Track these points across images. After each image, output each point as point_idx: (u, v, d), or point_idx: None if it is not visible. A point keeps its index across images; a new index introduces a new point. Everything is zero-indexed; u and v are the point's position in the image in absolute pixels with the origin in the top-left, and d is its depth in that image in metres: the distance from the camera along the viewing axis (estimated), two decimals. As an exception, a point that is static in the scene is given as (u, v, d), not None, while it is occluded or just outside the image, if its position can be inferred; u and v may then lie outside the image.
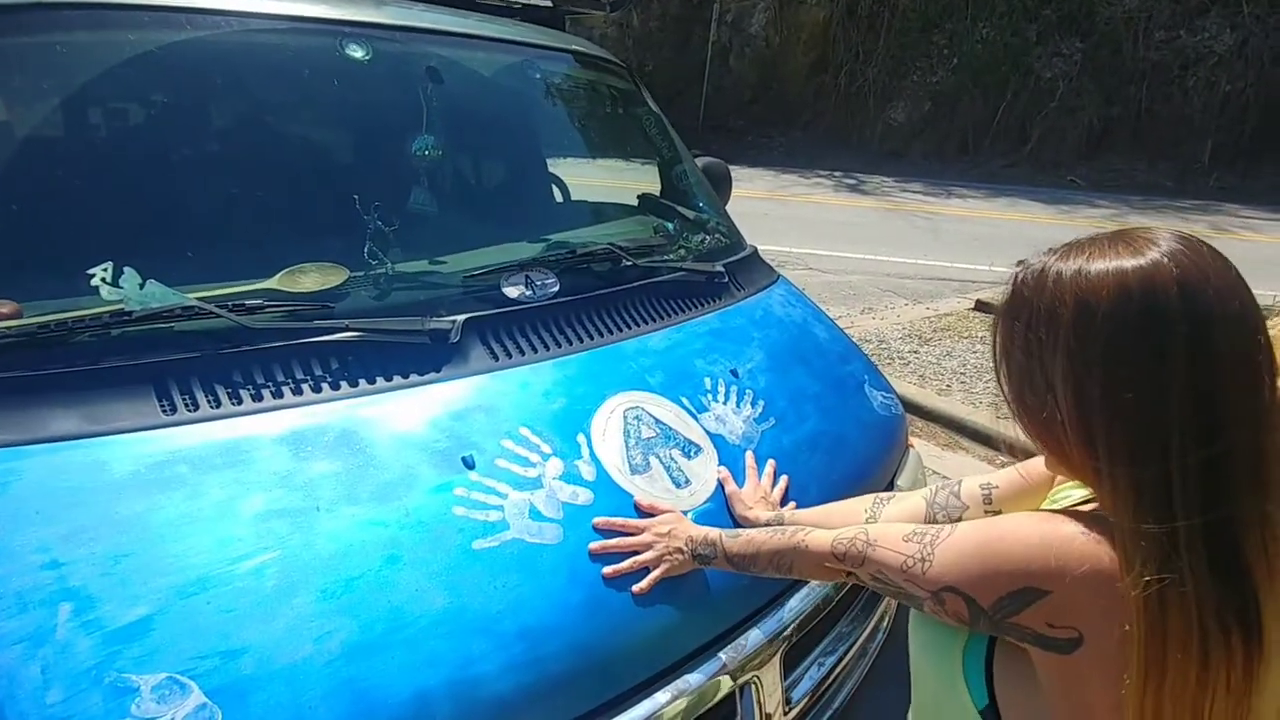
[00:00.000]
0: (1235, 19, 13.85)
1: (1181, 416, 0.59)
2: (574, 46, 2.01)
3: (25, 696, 0.74)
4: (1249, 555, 0.59)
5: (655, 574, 1.05)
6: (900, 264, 7.90)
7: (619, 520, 1.10)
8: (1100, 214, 11.45)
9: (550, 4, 2.08)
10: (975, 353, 5.35)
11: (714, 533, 1.04)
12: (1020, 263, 0.74)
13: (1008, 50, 14.88)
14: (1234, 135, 13.47)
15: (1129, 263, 0.62)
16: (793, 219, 9.98)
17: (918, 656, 0.82)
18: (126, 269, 1.07)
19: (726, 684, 1.09)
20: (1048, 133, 14.78)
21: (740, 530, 1.04)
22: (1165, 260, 0.61)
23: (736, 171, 2.99)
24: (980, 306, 6.32)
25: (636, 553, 1.07)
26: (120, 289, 1.06)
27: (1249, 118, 13.54)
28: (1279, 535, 0.60)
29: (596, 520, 1.09)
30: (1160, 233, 0.65)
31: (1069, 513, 0.69)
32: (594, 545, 1.06)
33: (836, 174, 14.08)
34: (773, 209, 10.49)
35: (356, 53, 1.43)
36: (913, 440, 1.86)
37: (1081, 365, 0.63)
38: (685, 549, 1.05)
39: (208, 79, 1.31)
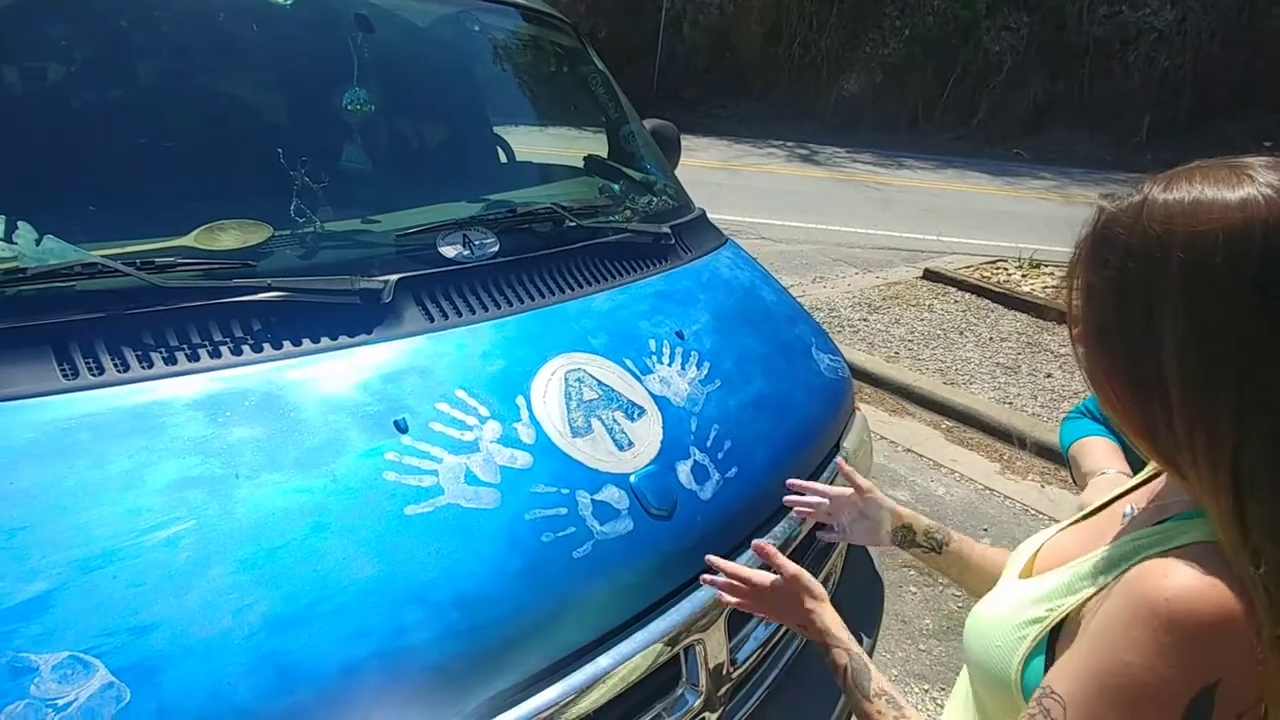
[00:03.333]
0: (1175, -5, 14.18)
1: None
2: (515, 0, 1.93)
3: (-92, 681, 0.69)
4: None
5: (739, 604, 0.96)
6: (851, 234, 7.98)
7: (776, 556, 0.96)
8: (1043, 185, 11.72)
9: (492, -45, 1.99)
10: (923, 320, 5.44)
11: (851, 655, 0.85)
12: (1107, 195, 0.62)
13: (958, 23, 15.03)
14: (1171, 111, 13.88)
15: (1251, 191, 0.53)
16: (746, 189, 9.98)
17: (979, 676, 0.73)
18: (21, 223, 0.98)
19: (669, 647, 1.08)
20: (995, 106, 15.04)
21: (875, 684, 0.82)
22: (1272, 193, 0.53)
23: (690, 141, 2.95)
24: (929, 275, 6.43)
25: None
26: (14, 245, 0.98)
27: (1185, 94, 13.96)
28: None
29: (758, 543, 0.98)
30: (1252, 165, 0.57)
31: (1163, 563, 0.57)
32: (722, 564, 0.97)
33: (789, 144, 14.11)
34: (726, 179, 10.47)
35: (278, -4, 1.34)
36: (861, 406, 1.87)
37: (1201, 325, 0.53)
38: (808, 626, 0.90)
39: (115, 20, 1.21)
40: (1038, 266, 6.69)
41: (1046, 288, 6.20)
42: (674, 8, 16.96)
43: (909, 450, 3.78)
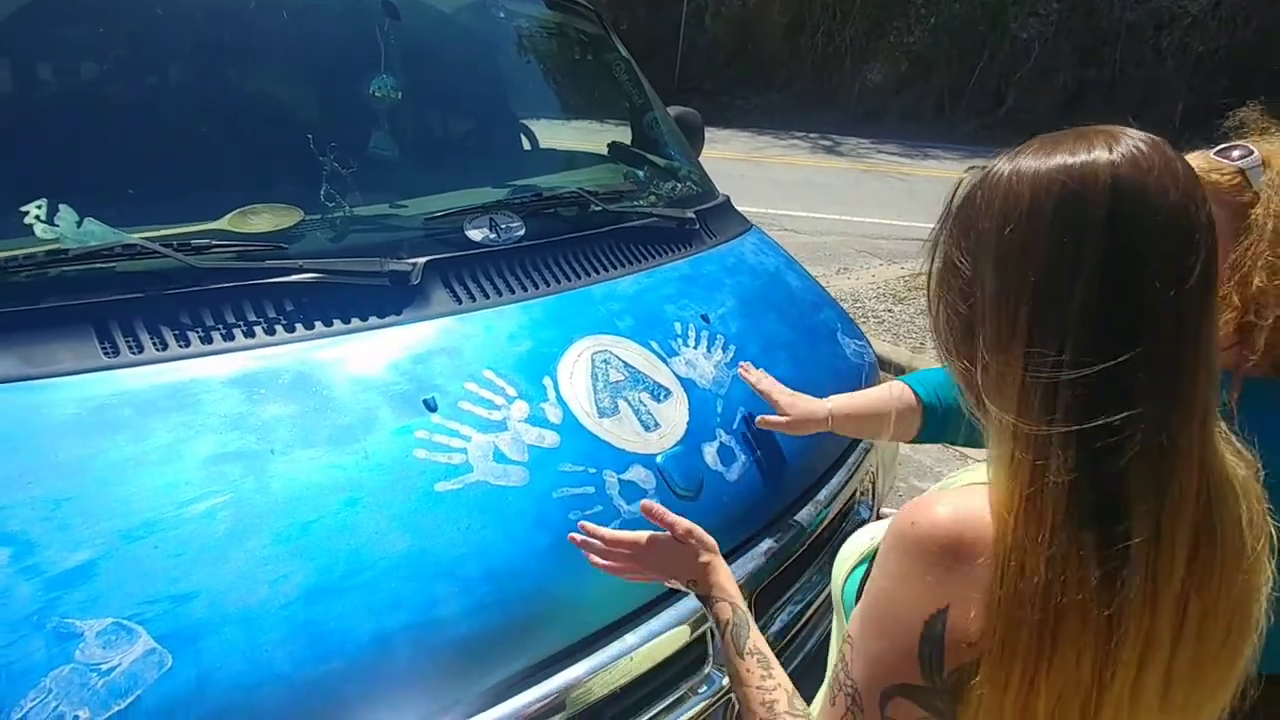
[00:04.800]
0: (1210, -22, 13.84)
1: (1083, 315, 0.52)
2: (539, -14, 1.93)
3: (-40, 644, 0.71)
4: (1133, 480, 0.52)
5: (617, 570, 0.91)
6: (876, 225, 7.90)
7: (666, 514, 0.91)
8: (1073, 175, 11.49)
9: (515, -57, 2.00)
10: (949, 311, 5.37)
11: (735, 610, 0.86)
12: (971, 168, 0.64)
13: (985, 9, 14.78)
14: (1205, 96, 13.53)
15: (1069, 158, 0.55)
16: (769, 180, 9.92)
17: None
18: (62, 206, 1.01)
19: (695, 628, 1.08)
20: (1023, 94, 14.77)
21: (751, 641, 0.83)
22: (1108, 154, 0.54)
23: (712, 133, 2.94)
24: (954, 266, 6.35)
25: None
26: (55, 227, 1.00)
27: (1220, 79, 13.61)
28: (1180, 461, 0.53)
29: (645, 502, 0.93)
30: (1121, 132, 0.57)
31: (927, 496, 0.61)
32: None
33: (812, 135, 13.99)
34: (749, 170, 10.41)
35: (307, -17, 1.36)
36: None
37: (998, 258, 0.57)
38: (699, 581, 0.88)
39: (150, 11, 1.24)
40: (1067, 256, 6.57)
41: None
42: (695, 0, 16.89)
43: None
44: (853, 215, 8.24)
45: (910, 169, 11.53)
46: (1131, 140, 0.55)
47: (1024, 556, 0.52)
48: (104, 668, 0.73)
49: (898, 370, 4.39)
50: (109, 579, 0.78)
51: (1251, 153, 0.98)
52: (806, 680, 1.37)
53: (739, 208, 2.03)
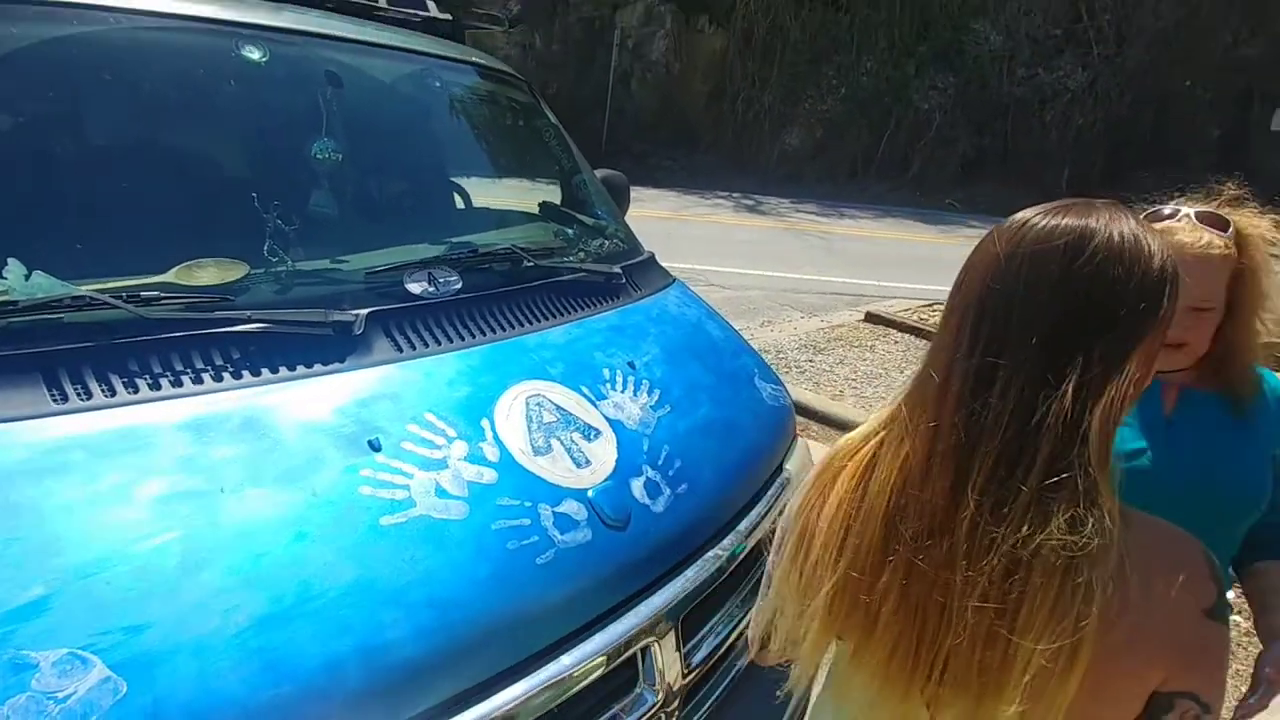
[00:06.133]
0: (1086, 59, 15.31)
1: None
2: (474, 59, 2.07)
3: (-87, 678, 0.73)
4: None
5: None
6: (796, 280, 8.27)
7: None
8: (974, 233, 12.23)
9: (450, 18, 2.13)
10: (865, 360, 5.67)
11: None
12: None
13: (890, 83, 15.89)
14: (1086, 165, 14.83)
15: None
16: (695, 238, 10.27)
17: None
18: (10, 260, 1.05)
19: (626, 649, 1.16)
20: (927, 160, 15.85)
21: None
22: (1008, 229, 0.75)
23: (640, 193, 3.12)
24: (870, 318, 6.71)
25: None
26: (4, 279, 1.04)
27: (1099, 150, 14.95)
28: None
29: None
30: (1044, 210, 0.75)
31: None
32: None
33: (736, 195, 14.58)
34: (676, 229, 10.76)
35: (253, 54, 1.45)
36: (810, 442, 1.99)
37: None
38: None
39: (101, 74, 1.30)
40: (971, 309, 7.02)
41: (979, 329, 6.52)
42: (622, 65, 17.56)
43: (854, 483, 3.92)
44: (774, 271, 8.61)
45: (828, 227, 12.14)
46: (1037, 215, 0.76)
47: None
48: (60, 695, 0.76)
49: (818, 417, 4.60)
50: (63, 612, 0.81)
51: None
52: (738, 704, 1.46)
53: (667, 264, 2.17)
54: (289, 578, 0.92)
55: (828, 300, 7.54)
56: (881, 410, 0.85)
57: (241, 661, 0.85)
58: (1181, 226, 1.18)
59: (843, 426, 4.52)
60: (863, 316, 6.76)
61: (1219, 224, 1.18)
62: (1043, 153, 15.20)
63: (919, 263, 9.64)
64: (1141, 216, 1.23)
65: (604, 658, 1.12)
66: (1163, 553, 0.73)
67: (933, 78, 15.72)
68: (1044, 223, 0.72)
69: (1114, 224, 0.71)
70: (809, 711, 1.02)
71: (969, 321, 0.74)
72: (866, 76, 16.01)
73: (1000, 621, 0.68)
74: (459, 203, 2.20)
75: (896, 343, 6.13)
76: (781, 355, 5.61)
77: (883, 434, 0.82)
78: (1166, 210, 1.22)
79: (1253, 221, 1.20)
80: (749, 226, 11.97)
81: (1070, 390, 0.67)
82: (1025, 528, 0.68)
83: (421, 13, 2.09)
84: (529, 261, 1.64)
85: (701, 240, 10.18)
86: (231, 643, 0.85)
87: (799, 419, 4.70)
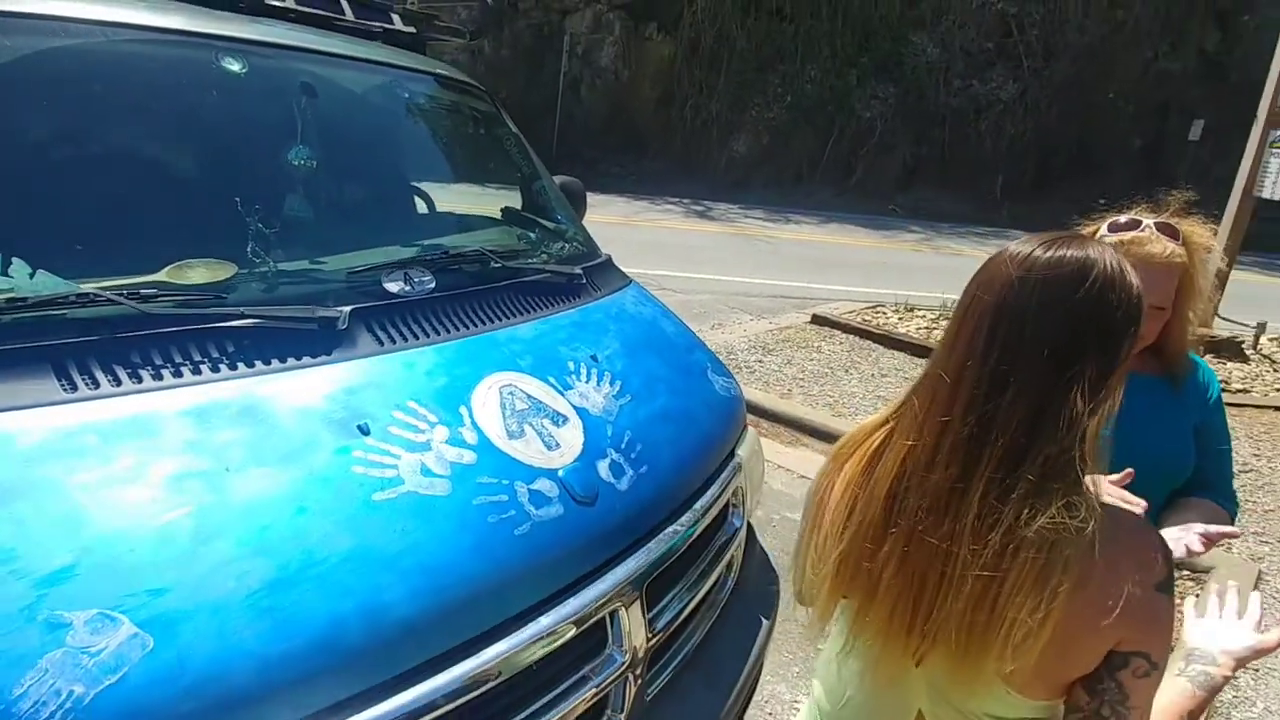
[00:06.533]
0: (1016, 72, 16.02)
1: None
2: (439, 70, 2.17)
3: (-42, 637, 0.81)
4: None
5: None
6: (745, 283, 8.49)
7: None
8: (915, 238, 12.79)
9: (413, 30, 2.23)
10: (812, 360, 5.89)
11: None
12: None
13: (833, 91, 16.35)
14: (1018, 173, 15.51)
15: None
16: (645, 243, 10.43)
17: None
18: (14, 259, 1.12)
19: (597, 613, 1.28)
20: (870, 167, 16.35)
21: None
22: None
23: (591, 198, 3.23)
24: (816, 319, 6.95)
25: None
26: (9, 278, 1.11)
27: (1030, 158, 15.65)
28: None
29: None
30: (1046, 241, 0.87)
31: None
32: None
33: (685, 201, 14.82)
34: (626, 234, 10.91)
35: (233, 66, 1.53)
36: (760, 438, 2.12)
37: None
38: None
39: (92, 87, 1.37)
40: (912, 310, 7.35)
41: (920, 328, 6.83)
42: (571, 72, 17.66)
43: (803, 477, 4.11)
44: (724, 275, 8.82)
45: (775, 232, 12.45)
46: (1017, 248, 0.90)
47: None
48: (93, 650, 0.84)
49: (767, 414, 4.78)
50: (90, 578, 0.89)
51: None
52: (696, 669, 1.59)
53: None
54: (293, 547, 1.02)
55: (776, 303, 7.78)
56: (889, 406, 0.99)
57: (255, 620, 0.94)
58: (1148, 237, 1.37)
59: (791, 424, 4.73)
60: (809, 318, 7.01)
61: (1173, 233, 1.38)
62: (978, 160, 15.84)
63: (863, 266, 9.99)
64: (1105, 225, 1.42)
65: (577, 620, 1.24)
66: (1125, 536, 0.88)
67: (874, 87, 16.25)
68: (1050, 253, 0.85)
69: (1105, 256, 0.85)
70: (816, 664, 1.17)
71: (983, 333, 0.86)
72: (811, 85, 16.45)
73: (992, 588, 0.82)
74: (424, 208, 2.30)
75: (841, 343, 6.38)
76: (732, 356, 5.80)
77: (891, 425, 0.97)
78: (1124, 220, 1.41)
79: (1196, 230, 1.41)
80: (699, 231, 12.20)
81: (1076, 396, 0.81)
82: (1027, 510, 0.81)
83: (384, 25, 2.18)
84: (496, 263, 1.75)
85: (652, 245, 10.35)
86: (245, 603, 0.95)
87: (750, 417, 4.86)
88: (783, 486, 3.98)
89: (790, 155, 16.75)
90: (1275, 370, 6.06)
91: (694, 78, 17.24)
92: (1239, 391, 5.59)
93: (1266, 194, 6.40)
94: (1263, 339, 6.67)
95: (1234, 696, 2.62)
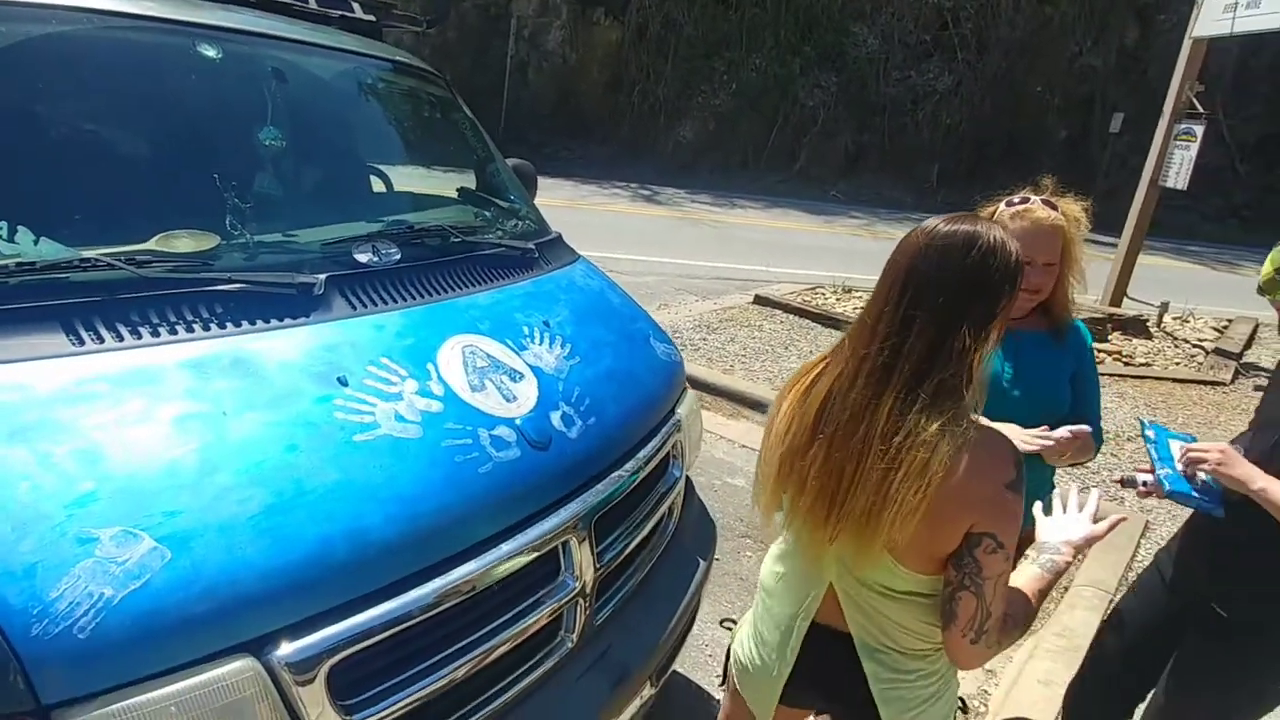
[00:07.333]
0: (952, 64, 16.57)
1: None
2: (398, 57, 2.29)
3: (1, 548, 0.95)
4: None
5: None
6: (691, 266, 8.72)
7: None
8: (855, 223, 13.21)
9: (372, 18, 2.34)
10: (754, 338, 6.15)
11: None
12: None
13: (777, 79, 16.65)
14: (954, 161, 16.10)
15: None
16: (593, 226, 10.57)
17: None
18: (20, 228, 1.24)
19: (552, 543, 1.46)
20: (813, 154, 16.73)
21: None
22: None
23: (539, 181, 3.38)
24: (758, 300, 7.21)
25: None
26: (15, 244, 1.23)
27: (964, 147, 16.24)
28: None
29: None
30: (949, 219, 1.15)
31: None
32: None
33: (633, 185, 14.96)
34: (573, 217, 11.02)
35: (209, 52, 1.64)
36: (703, 412, 2.32)
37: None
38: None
39: (79, 71, 1.47)
40: (850, 291, 7.68)
41: (856, 308, 7.16)
42: (518, 55, 17.56)
43: (744, 446, 4.35)
44: (671, 258, 9.04)
45: (721, 217, 12.71)
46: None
47: None
48: (119, 559, 0.99)
49: (710, 389, 5.01)
50: (112, 502, 1.03)
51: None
52: (638, 601, 1.79)
53: None
54: (286, 478, 1.17)
55: (720, 285, 8.03)
56: (828, 348, 1.27)
57: (256, 538, 1.09)
58: (1034, 207, 1.73)
59: (732, 397, 4.97)
60: (752, 299, 7.27)
61: (1053, 206, 1.73)
62: (916, 148, 16.38)
63: (804, 250, 10.32)
64: (1003, 203, 1.71)
65: (533, 548, 1.42)
66: (989, 444, 1.13)
67: (817, 76, 16.62)
68: (949, 227, 1.14)
69: (992, 231, 1.12)
70: (765, 559, 1.47)
71: (896, 286, 1.14)
72: (755, 73, 16.74)
73: (889, 477, 1.08)
74: (382, 187, 2.42)
75: (782, 322, 6.66)
76: (677, 334, 6.01)
77: (827, 360, 1.25)
78: (1019, 198, 1.76)
79: (1070, 206, 1.77)
80: (646, 216, 12.37)
81: (964, 331, 1.08)
82: (923, 419, 1.08)
83: (343, 12, 2.29)
84: (456, 238, 1.90)
85: (600, 228, 10.49)
86: (247, 524, 1.10)
87: (693, 391, 5.07)
88: (724, 455, 4.21)
89: (736, 141, 17.04)
90: (1175, 346, 6.58)
91: (641, 63, 17.35)
92: (1142, 365, 6.06)
93: (1170, 183, 6.90)
94: (1166, 317, 7.21)
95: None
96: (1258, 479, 1.33)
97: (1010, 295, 1.13)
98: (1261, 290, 1.42)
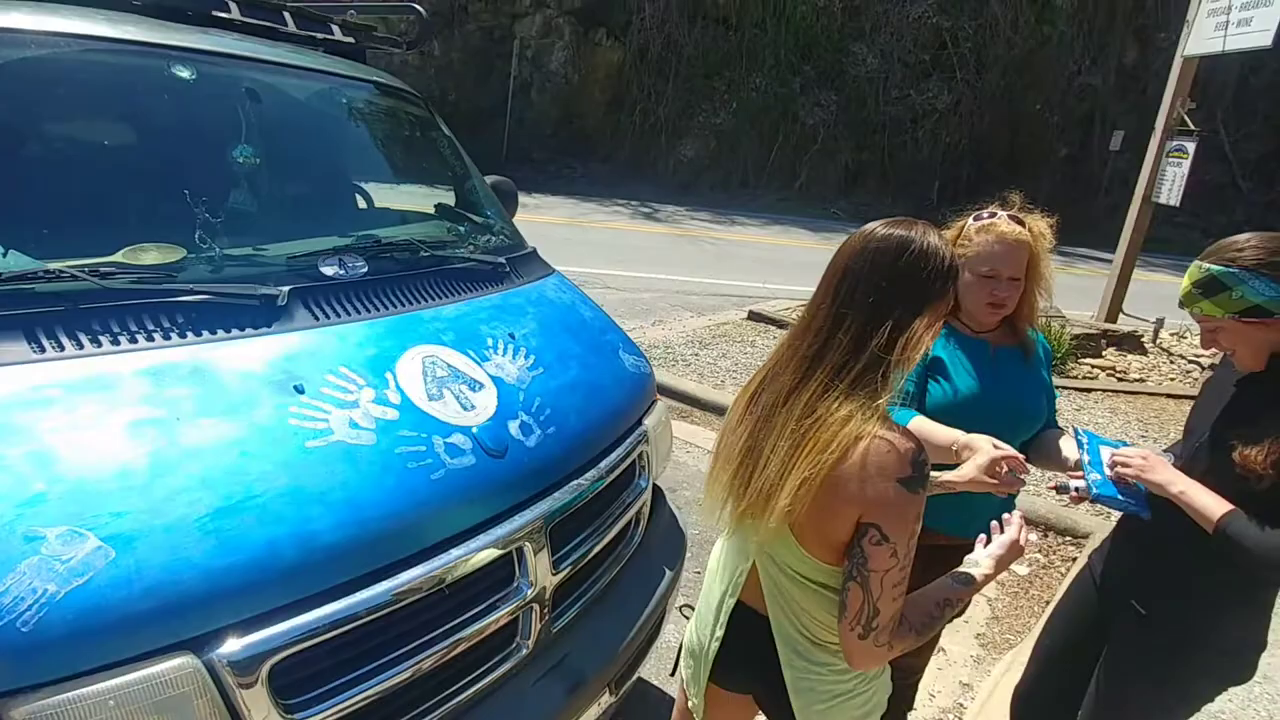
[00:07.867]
0: (951, 82, 16.68)
1: None
2: (376, 78, 2.35)
3: (-50, 546, 0.98)
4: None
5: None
6: (688, 282, 8.77)
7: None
8: (855, 241, 13.25)
9: (353, 40, 2.40)
10: (746, 354, 6.18)
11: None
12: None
13: (777, 98, 16.80)
14: (954, 178, 16.17)
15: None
16: (593, 243, 10.65)
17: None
18: (-12, 241, 1.29)
19: (504, 548, 1.49)
20: (813, 171, 16.83)
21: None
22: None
23: (540, 199, 3.43)
24: (752, 316, 7.25)
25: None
26: (-17, 257, 1.28)
27: (964, 164, 16.31)
28: None
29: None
30: (886, 223, 1.24)
31: None
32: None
33: (633, 203, 15.07)
34: (574, 234, 11.11)
35: (183, 73, 1.70)
36: (691, 425, 2.34)
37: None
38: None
39: (55, 90, 1.53)
40: (844, 308, 7.70)
41: (850, 326, 7.19)
42: (521, 75, 17.78)
43: (731, 460, 4.36)
44: (668, 274, 9.09)
45: (720, 234, 12.78)
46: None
47: None
48: (64, 557, 1.03)
49: (700, 404, 5.04)
50: (61, 502, 1.07)
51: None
52: (600, 609, 1.81)
53: (565, 268, 2.50)
54: (235, 482, 1.21)
55: (717, 301, 8.07)
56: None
57: (202, 539, 1.13)
58: (1000, 221, 1.76)
59: (722, 412, 4.99)
60: (746, 315, 7.31)
61: (1020, 221, 1.77)
62: (916, 166, 16.46)
63: (801, 266, 10.36)
64: (970, 217, 1.75)
65: (485, 553, 1.44)
66: (890, 437, 1.15)
67: (817, 95, 16.75)
68: (885, 231, 1.23)
69: (927, 236, 1.19)
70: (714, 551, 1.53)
71: (833, 285, 1.22)
72: (756, 93, 16.89)
73: (794, 453, 1.15)
74: (362, 203, 2.48)
75: (775, 338, 6.69)
76: (670, 350, 6.05)
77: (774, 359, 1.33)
78: (986, 213, 1.80)
79: (1037, 222, 1.80)
80: (646, 233, 12.46)
81: (887, 330, 1.15)
82: (835, 405, 1.15)
83: (325, 35, 2.35)
84: (425, 251, 1.95)
85: (600, 245, 10.57)
86: (193, 526, 1.13)
87: (684, 406, 5.12)
88: (698, 465, 4.22)
89: (737, 159, 17.16)
90: (1171, 362, 6.58)
91: (643, 83, 17.53)
92: (1136, 380, 6.06)
93: (1163, 200, 6.94)
94: (1162, 333, 7.21)
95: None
96: (1177, 483, 1.37)
97: (941, 298, 1.19)
98: (1182, 304, 1.45)
